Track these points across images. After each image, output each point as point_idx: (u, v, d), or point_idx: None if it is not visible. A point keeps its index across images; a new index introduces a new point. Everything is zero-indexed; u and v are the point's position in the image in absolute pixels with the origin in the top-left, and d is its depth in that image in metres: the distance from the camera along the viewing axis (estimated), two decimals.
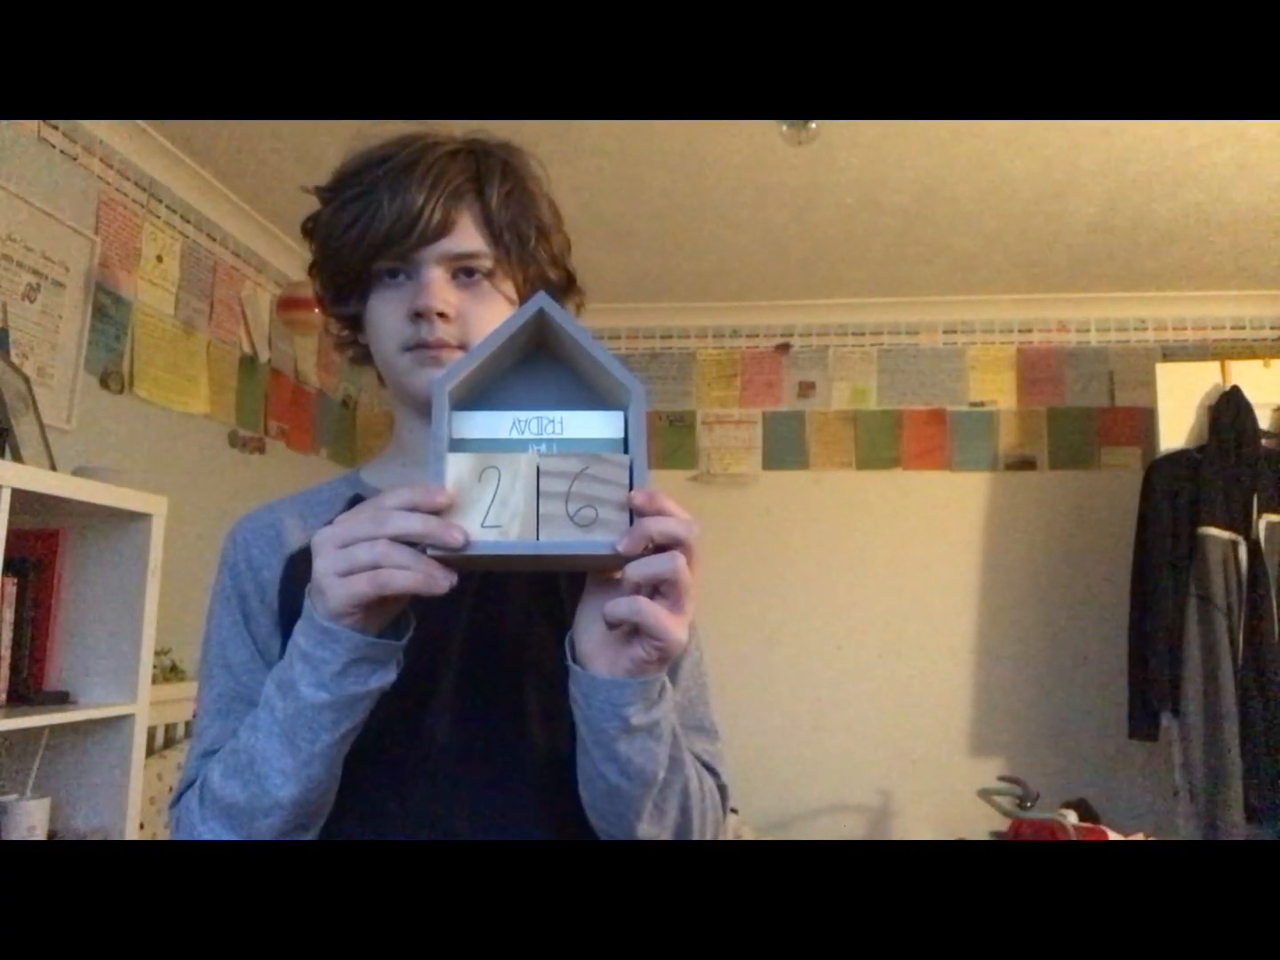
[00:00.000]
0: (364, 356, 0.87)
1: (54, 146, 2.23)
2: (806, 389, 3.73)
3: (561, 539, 0.58)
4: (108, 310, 2.41)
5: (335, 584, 0.60)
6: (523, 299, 0.82)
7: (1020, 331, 3.66)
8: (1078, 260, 3.26)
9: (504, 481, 0.59)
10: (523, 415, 0.64)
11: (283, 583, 0.81)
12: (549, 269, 0.85)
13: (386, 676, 0.65)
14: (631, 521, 0.58)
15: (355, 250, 0.78)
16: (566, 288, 0.89)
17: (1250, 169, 2.59)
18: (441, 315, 0.77)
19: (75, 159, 2.30)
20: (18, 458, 1.76)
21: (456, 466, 0.60)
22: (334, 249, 0.80)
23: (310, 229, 0.85)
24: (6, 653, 1.77)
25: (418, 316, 0.78)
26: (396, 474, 0.86)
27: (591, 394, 0.65)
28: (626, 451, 0.61)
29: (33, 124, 2.16)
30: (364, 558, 0.59)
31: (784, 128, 2.35)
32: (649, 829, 0.71)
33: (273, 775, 0.66)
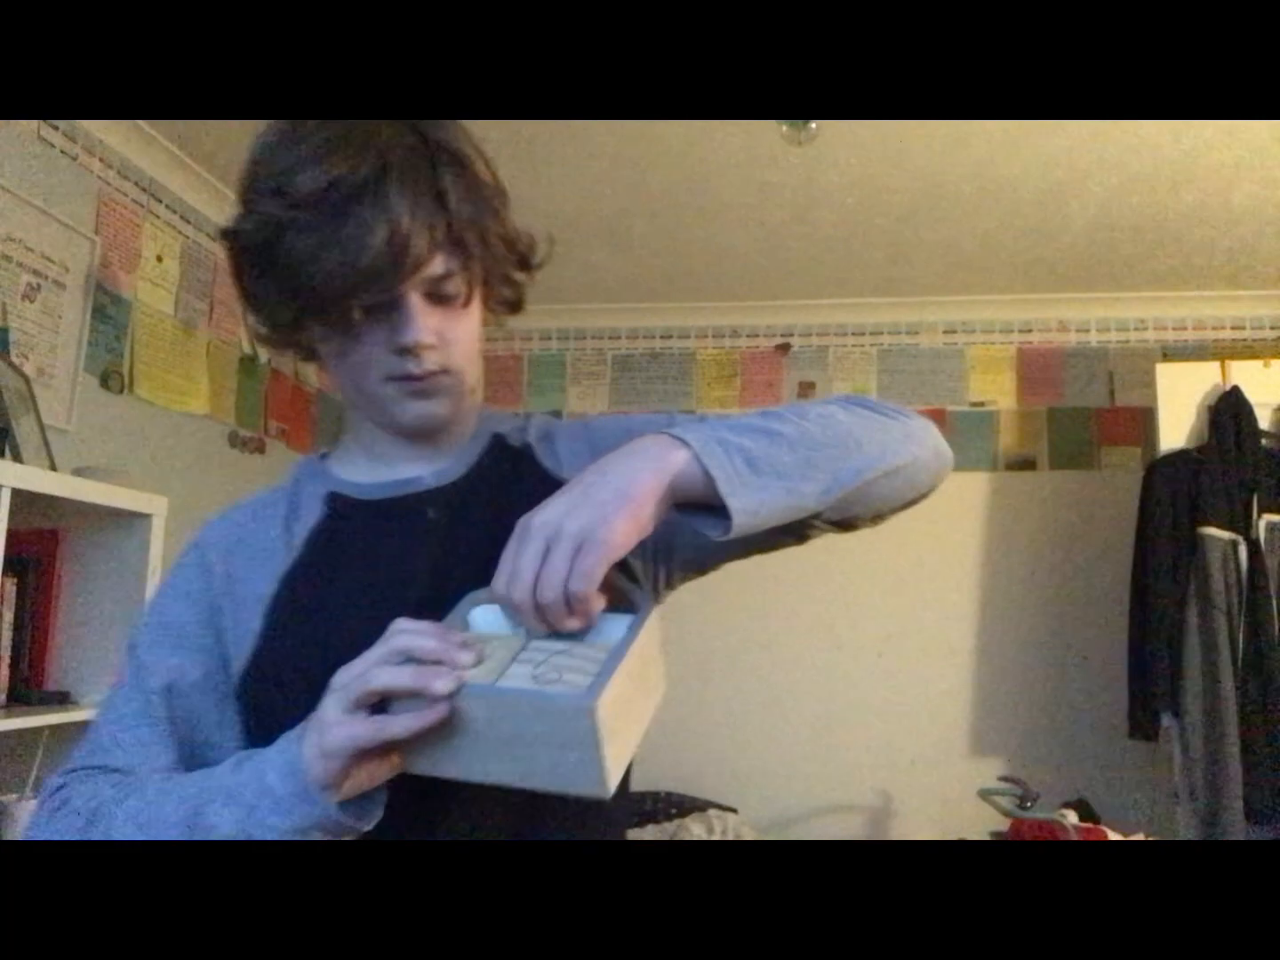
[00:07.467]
0: (308, 354, 0.81)
1: (54, 146, 2.23)
2: (806, 389, 3.73)
3: (505, 684, 0.60)
4: (108, 310, 2.41)
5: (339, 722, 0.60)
6: (486, 297, 0.80)
7: (1020, 331, 3.66)
8: (1078, 260, 3.26)
9: (492, 651, 0.63)
10: None
11: (274, 601, 0.77)
12: (507, 264, 0.80)
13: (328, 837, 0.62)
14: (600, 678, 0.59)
15: (330, 283, 0.69)
16: (524, 271, 0.83)
17: (1250, 169, 2.59)
18: (429, 347, 0.74)
19: (75, 159, 2.30)
20: (18, 458, 1.76)
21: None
22: (295, 279, 0.70)
23: (246, 245, 0.73)
24: (6, 653, 1.77)
25: (404, 351, 0.73)
26: (366, 468, 0.84)
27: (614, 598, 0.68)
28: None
29: (33, 124, 2.16)
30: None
31: (784, 128, 2.35)
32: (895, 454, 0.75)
33: (161, 834, 0.64)
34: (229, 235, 0.75)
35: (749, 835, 3.13)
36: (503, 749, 0.59)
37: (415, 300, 0.73)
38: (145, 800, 0.67)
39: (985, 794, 2.66)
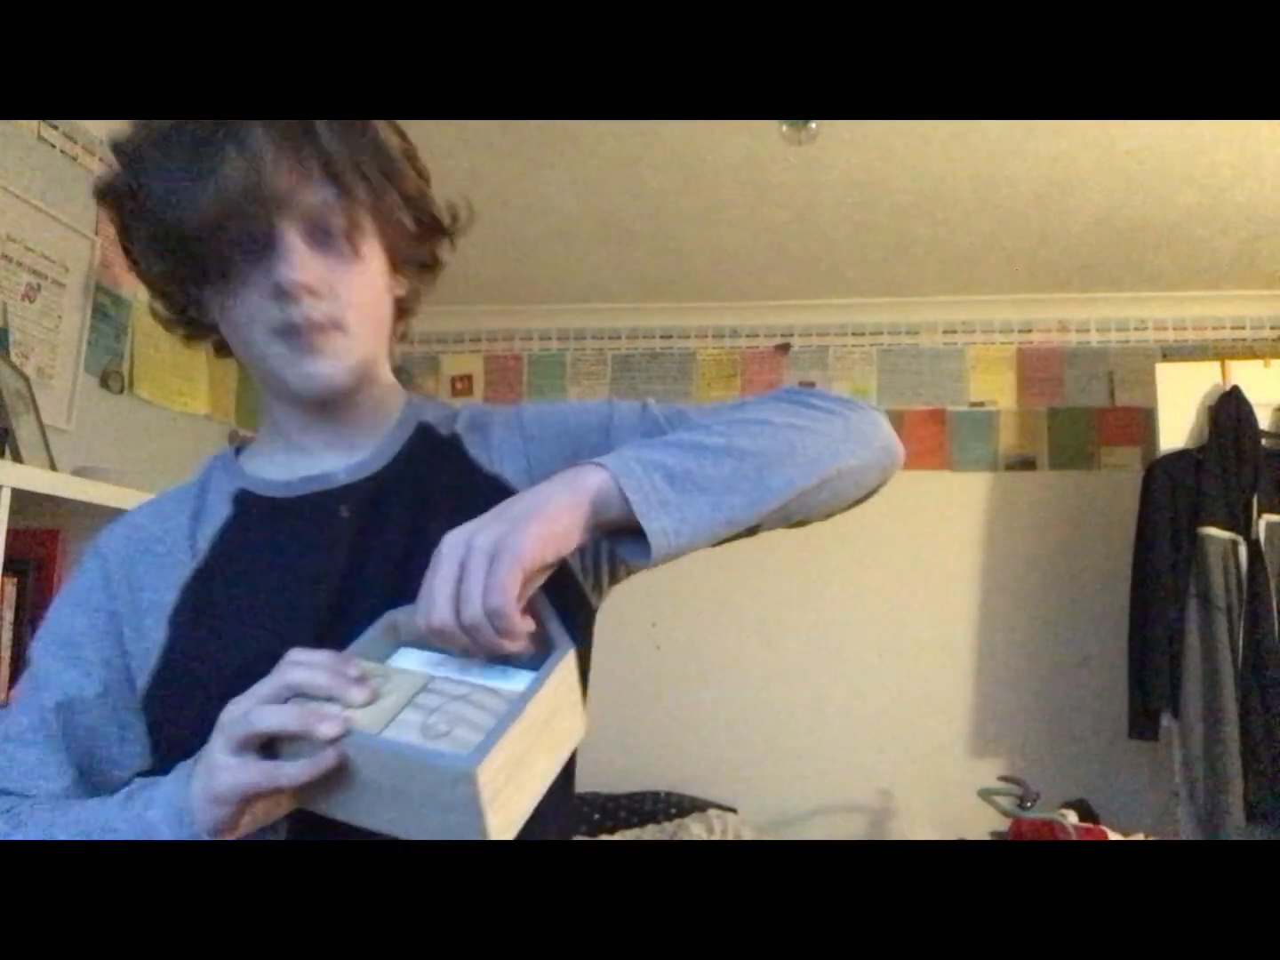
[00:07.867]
0: (222, 344, 0.76)
1: (54, 146, 2.23)
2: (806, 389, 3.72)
3: (391, 734, 0.56)
4: (108, 310, 2.41)
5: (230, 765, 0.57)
6: (391, 255, 0.75)
7: (1020, 331, 3.66)
8: (1078, 260, 3.26)
9: (392, 688, 0.59)
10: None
11: (177, 610, 0.72)
12: (405, 216, 0.74)
13: None
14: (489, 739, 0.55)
15: (192, 218, 0.64)
16: (433, 234, 0.77)
17: (1250, 169, 2.59)
18: (311, 291, 0.68)
19: (75, 159, 2.30)
20: (18, 458, 1.75)
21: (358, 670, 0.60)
22: (159, 222, 0.66)
23: (111, 197, 0.70)
24: (6, 653, 1.77)
25: (282, 294, 0.67)
26: (281, 462, 0.78)
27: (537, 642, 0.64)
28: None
29: (33, 124, 2.16)
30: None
31: (784, 128, 2.35)
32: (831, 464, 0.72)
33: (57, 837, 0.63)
34: (97, 192, 0.71)
35: (749, 835, 3.13)
36: (390, 801, 0.56)
37: (292, 237, 0.67)
38: (29, 837, 0.64)
39: (985, 794, 2.66)
